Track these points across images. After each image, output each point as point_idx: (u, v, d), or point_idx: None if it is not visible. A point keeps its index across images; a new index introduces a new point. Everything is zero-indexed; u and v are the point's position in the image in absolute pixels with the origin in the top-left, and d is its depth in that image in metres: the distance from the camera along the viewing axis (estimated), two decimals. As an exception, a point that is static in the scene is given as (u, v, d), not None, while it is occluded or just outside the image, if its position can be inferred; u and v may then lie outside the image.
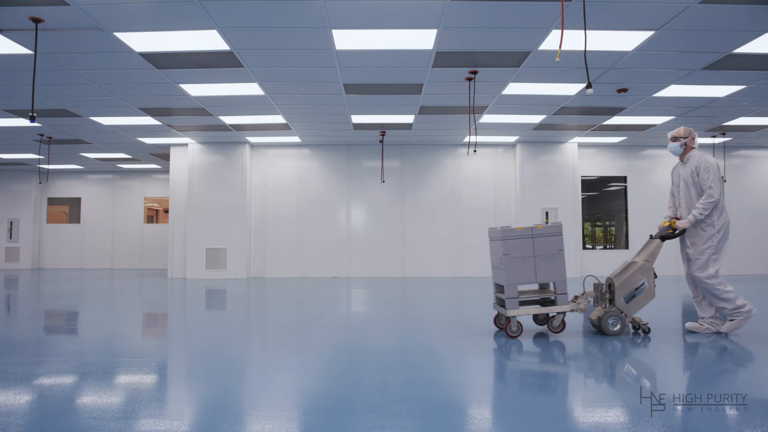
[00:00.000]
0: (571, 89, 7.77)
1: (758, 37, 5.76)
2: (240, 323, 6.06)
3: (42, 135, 10.73)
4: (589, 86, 4.44)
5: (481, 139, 11.40)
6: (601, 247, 13.86)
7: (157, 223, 17.77)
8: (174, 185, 12.18)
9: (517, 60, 6.56)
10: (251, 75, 7.10)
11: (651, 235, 4.92)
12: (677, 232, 4.79)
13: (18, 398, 2.94)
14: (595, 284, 4.88)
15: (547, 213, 11.71)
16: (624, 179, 12.41)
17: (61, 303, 7.66)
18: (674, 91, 7.80)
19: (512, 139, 11.60)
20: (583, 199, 12.38)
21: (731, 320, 4.68)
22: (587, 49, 5.95)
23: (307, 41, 5.96)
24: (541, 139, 11.52)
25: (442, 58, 6.47)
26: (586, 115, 9.35)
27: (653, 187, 12.31)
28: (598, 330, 4.82)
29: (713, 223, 4.65)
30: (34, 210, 15.83)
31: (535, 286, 5.07)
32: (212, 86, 7.59)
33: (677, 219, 4.89)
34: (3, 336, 4.94)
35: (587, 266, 12.05)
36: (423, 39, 5.89)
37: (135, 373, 3.58)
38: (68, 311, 6.91)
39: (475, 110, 8.85)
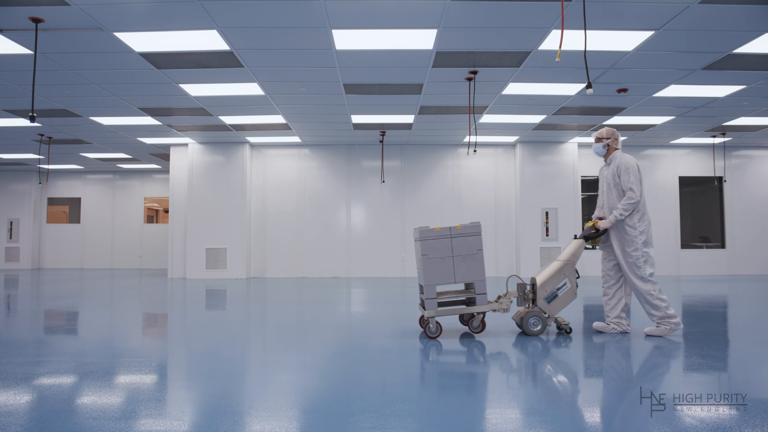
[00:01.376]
0: (571, 89, 7.77)
1: (758, 37, 5.77)
2: (240, 323, 6.05)
3: (42, 135, 10.73)
4: (589, 86, 4.44)
5: (481, 139, 11.40)
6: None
7: (157, 223, 17.76)
8: (174, 185, 12.18)
9: (517, 60, 6.56)
10: (251, 75, 7.11)
11: (575, 235, 4.88)
12: (600, 232, 4.79)
13: (18, 398, 2.94)
14: (518, 284, 4.83)
15: (547, 213, 11.72)
16: (624, 179, 12.40)
17: (61, 303, 7.66)
18: (674, 91, 7.80)
19: (512, 139, 11.60)
20: (583, 199, 12.38)
21: (657, 326, 4.70)
22: (587, 49, 5.95)
23: (307, 41, 5.96)
24: (541, 139, 11.53)
25: (442, 58, 6.47)
26: (586, 115, 9.35)
27: (653, 188, 12.31)
28: (522, 330, 4.81)
29: (635, 225, 4.64)
30: (34, 210, 15.83)
31: (461, 286, 5.02)
32: (212, 86, 7.59)
33: (601, 219, 4.86)
34: (3, 336, 4.94)
35: (587, 266, 12.05)
36: (423, 39, 5.89)
37: (135, 373, 3.58)
38: (68, 311, 6.91)
39: (475, 110, 8.85)
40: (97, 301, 7.87)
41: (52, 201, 16.30)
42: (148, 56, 6.37)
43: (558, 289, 4.69)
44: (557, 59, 4.21)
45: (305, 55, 6.42)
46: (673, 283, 10.42)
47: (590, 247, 13.26)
